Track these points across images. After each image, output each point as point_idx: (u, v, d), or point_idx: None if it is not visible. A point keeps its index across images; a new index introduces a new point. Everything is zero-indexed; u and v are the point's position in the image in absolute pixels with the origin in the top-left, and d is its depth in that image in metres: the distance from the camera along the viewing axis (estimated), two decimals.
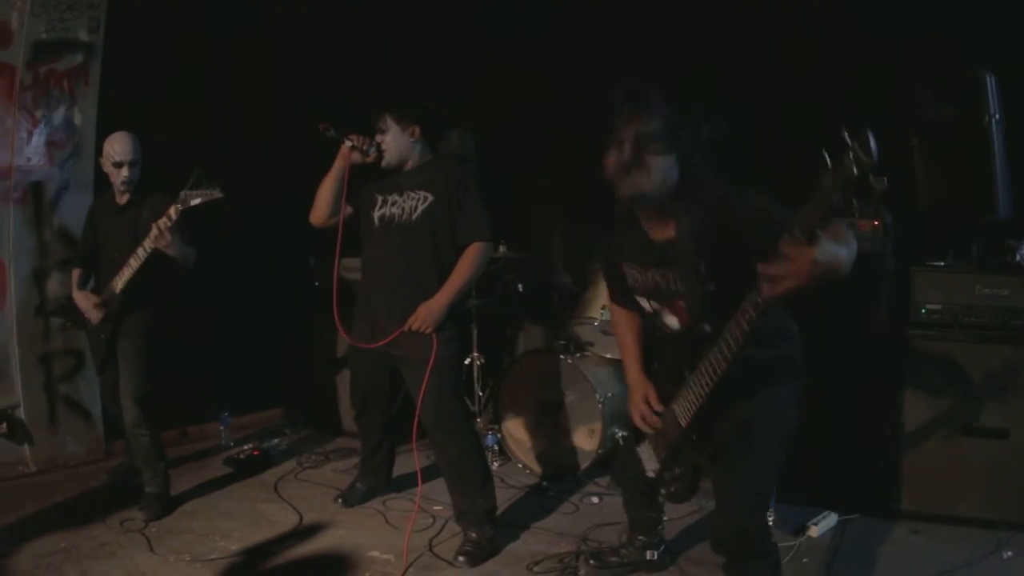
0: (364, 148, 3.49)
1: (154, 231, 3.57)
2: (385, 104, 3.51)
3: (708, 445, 2.50)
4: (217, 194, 3.59)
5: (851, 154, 1.74)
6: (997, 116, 3.53)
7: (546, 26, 4.98)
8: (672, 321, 2.59)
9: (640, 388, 2.75)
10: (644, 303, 2.67)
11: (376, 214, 3.55)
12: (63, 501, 3.98)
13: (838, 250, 1.96)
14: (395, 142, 3.50)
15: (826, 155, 1.79)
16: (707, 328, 2.36)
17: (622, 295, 2.84)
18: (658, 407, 2.66)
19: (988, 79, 3.51)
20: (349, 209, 3.64)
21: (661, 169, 2.39)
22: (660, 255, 2.51)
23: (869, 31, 4.05)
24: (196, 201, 3.57)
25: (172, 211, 3.57)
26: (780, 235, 1.95)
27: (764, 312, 2.11)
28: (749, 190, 2.38)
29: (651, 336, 2.84)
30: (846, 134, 1.76)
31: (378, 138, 3.51)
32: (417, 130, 3.51)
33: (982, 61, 3.57)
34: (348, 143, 3.49)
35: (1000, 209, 3.54)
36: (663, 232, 2.50)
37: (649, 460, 2.79)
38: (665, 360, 2.71)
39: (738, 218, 2.29)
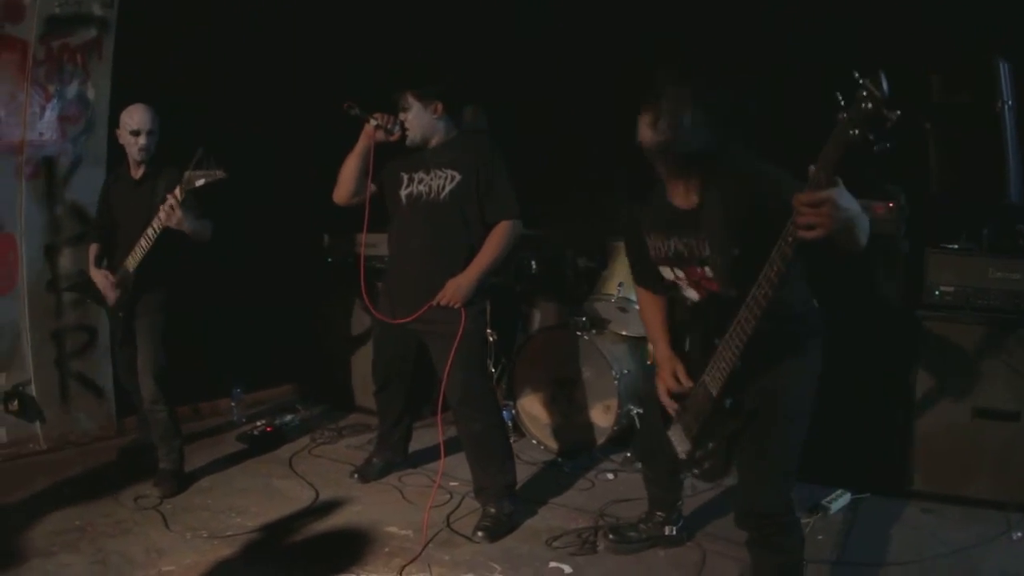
0: (388, 127, 3.47)
1: (163, 212, 3.57)
2: (406, 81, 3.49)
3: (741, 413, 2.51)
4: (219, 175, 3.55)
5: (863, 91, 1.80)
6: (1010, 102, 3.55)
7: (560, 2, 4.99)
8: (692, 294, 2.63)
9: (668, 364, 2.76)
10: (667, 272, 2.68)
11: (403, 193, 3.55)
12: (76, 478, 3.97)
13: (853, 202, 2.02)
14: (418, 120, 3.47)
15: (840, 96, 1.84)
16: (733, 293, 2.38)
17: (646, 273, 2.86)
18: (687, 383, 2.67)
19: (1002, 65, 3.53)
20: (373, 187, 3.63)
21: (689, 129, 2.40)
22: (684, 223, 2.53)
23: (883, 17, 4.07)
24: (200, 183, 3.55)
25: (177, 191, 3.56)
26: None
27: (791, 264, 2.13)
28: (769, 165, 2.42)
29: (676, 314, 2.87)
30: (856, 73, 1.81)
31: (401, 116, 3.49)
32: (440, 107, 3.47)
33: (996, 47, 3.58)
34: (373, 122, 3.47)
35: (1012, 194, 3.57)
36: (687, 201, 2.54)
37: (680, 442, 2.77)
38: (694, 334, 2.72)
39: (760, 187, 2.33)
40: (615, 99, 4.72)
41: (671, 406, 2.76)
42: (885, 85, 1.78)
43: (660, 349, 2.85)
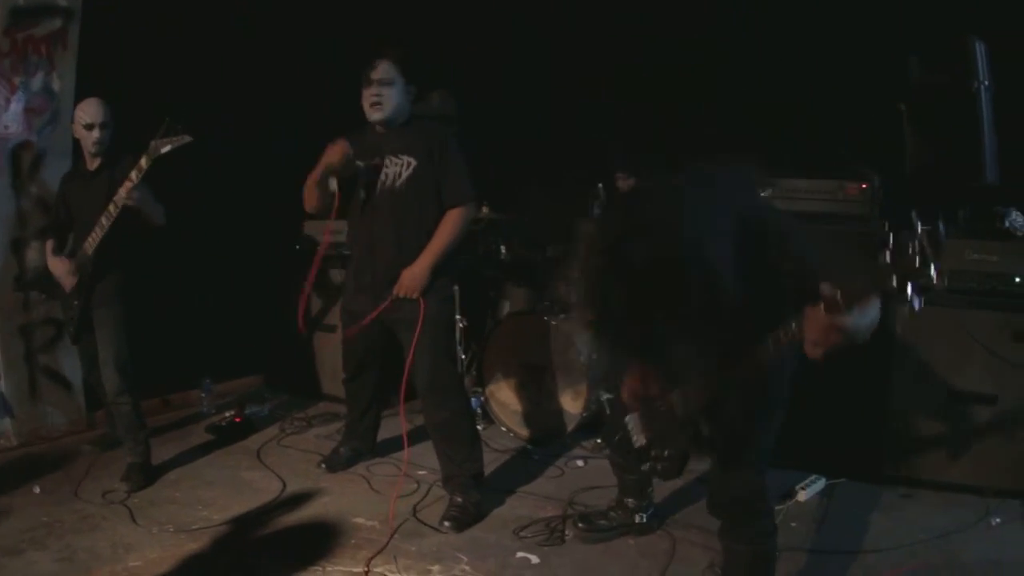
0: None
1: (124, 187, 3.52)
2: (393, 52, 3.35)
3: (704, 438, 2.46)
4: (187, 139, 3.52)
5: (917, 244, 1.75)
6: (986, 82, 3.51)
7: None
8: None
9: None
10: None
11: (360, 183, 3.48)
12: (45, 474, 3.92)
13: (863, 320, 1.90)
14: (398, 99, 3.37)
15: (890, 232, 1.74)
16: None
17: None
18: (655, 392, 2.58)
19: (978, 45, 3.49)
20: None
21: None
22: None
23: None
24: (166, 149, 3.51)
25: (143, 161, 3.52)
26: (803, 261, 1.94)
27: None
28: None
29: None
30: (918, 221, 1.76)
31: (373, 90, 3.34)
32: (415, 91, 3.42)
33: (972, 27, 3.54)
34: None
35: (988, 175, 3.52)
36: None
37: (637, 432, 2.71)
38: None
39: (767, 224, 2.19)
40: (587, 83, 4.75)
41: (633, 407, 2.68)
42: (942, 241, 1.68)
43: None
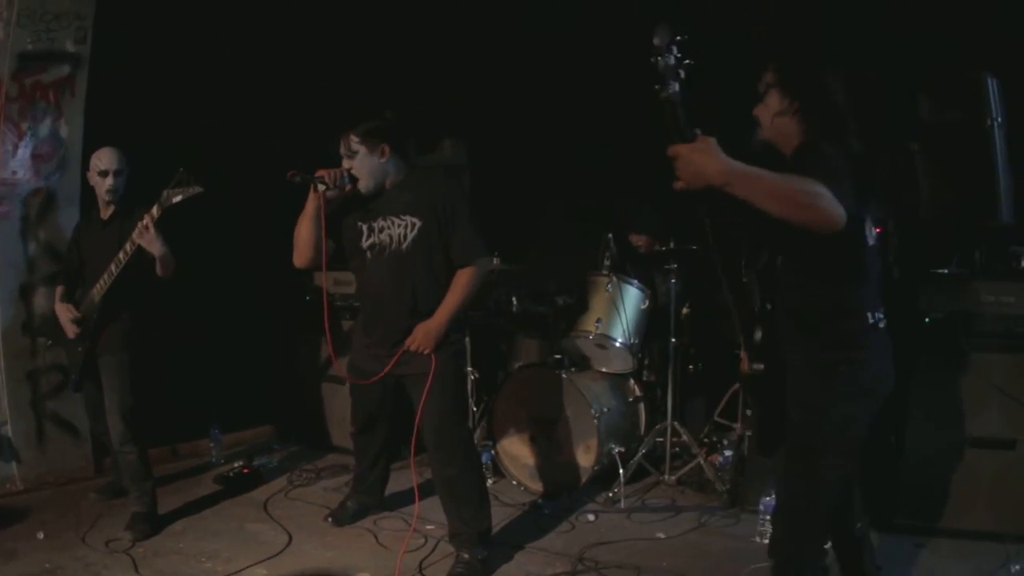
0: (337, 184, 3.29)
1: (138, 228, 3.53)
2: (347, 126, 3.32)
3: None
4: (197, 190, 3.53)
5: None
6: (999, 119, 3.44)
7: (540, 31, 4.92)
8: None
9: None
10: None
11: (364, 244, 3.41)
12: (49, 520, 3.90)
13: (714, 158, 2.02)
14: (366, 166, 3.31)
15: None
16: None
17: None
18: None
19: (989, 81, 3.43)
20: (332, 244, 3.48)
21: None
22: None
23: (868, 33, 3.99)
24: (177, 199, 3.52)
25: (155, 209, 3.53)
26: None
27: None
28: None
29: None
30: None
31: (346, 164, 3.32)
32: (387, 148, 3.32)
33: (982, 63, 3.49)
34: (321, 187, 3.27)
35: (1003, 215, 3.45)
36: None
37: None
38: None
39: None
40: (594, 133, 4.73)
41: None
42: (655, 39, 1.98)
43: None
